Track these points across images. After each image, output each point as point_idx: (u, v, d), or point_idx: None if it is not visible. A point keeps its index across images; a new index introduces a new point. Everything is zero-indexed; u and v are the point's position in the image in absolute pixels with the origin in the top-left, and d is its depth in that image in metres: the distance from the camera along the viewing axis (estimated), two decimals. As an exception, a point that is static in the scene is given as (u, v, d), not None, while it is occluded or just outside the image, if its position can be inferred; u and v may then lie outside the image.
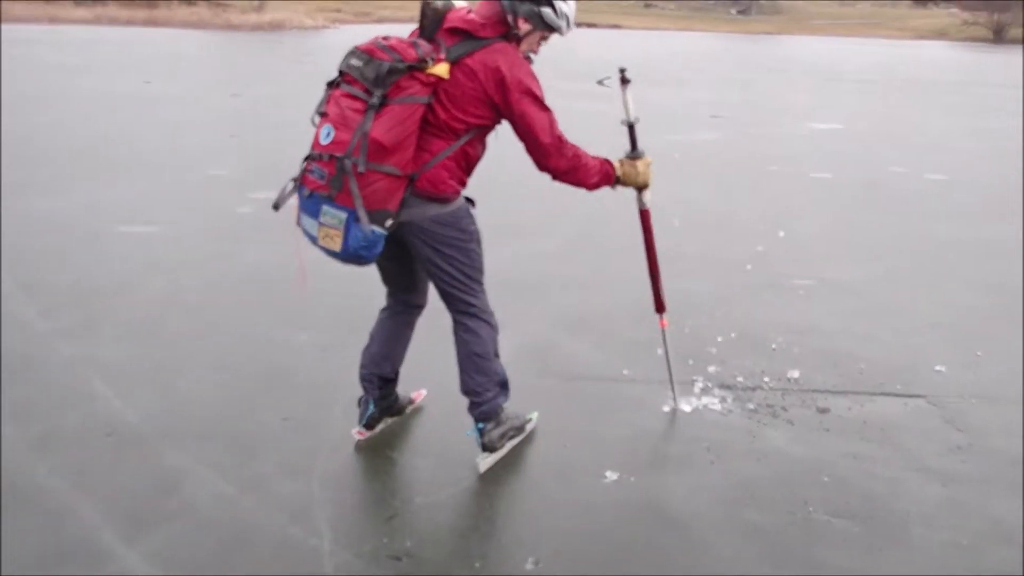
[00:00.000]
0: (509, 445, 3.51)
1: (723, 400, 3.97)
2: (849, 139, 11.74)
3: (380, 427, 3.65)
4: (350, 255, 2.97)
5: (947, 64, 28.13)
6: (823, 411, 3.88)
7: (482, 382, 3.32)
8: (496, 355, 3.36)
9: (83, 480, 3.23)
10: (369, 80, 2.87)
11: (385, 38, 2.95)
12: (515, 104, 3.00)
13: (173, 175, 8.28)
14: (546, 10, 3.04)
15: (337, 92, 2.97)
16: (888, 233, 6.92)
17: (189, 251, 5.96)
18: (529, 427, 3.66)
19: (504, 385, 3.41)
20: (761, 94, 17.35)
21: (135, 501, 3.12)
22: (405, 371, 3.56)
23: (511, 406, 3.53)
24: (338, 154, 2.87)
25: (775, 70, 23.33)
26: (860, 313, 5.10)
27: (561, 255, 6.08)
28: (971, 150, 11.10)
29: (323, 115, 2.99)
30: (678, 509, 3.14)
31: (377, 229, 2.92)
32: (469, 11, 3.08)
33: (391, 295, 3.50)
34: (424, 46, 2.94)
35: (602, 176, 3.26)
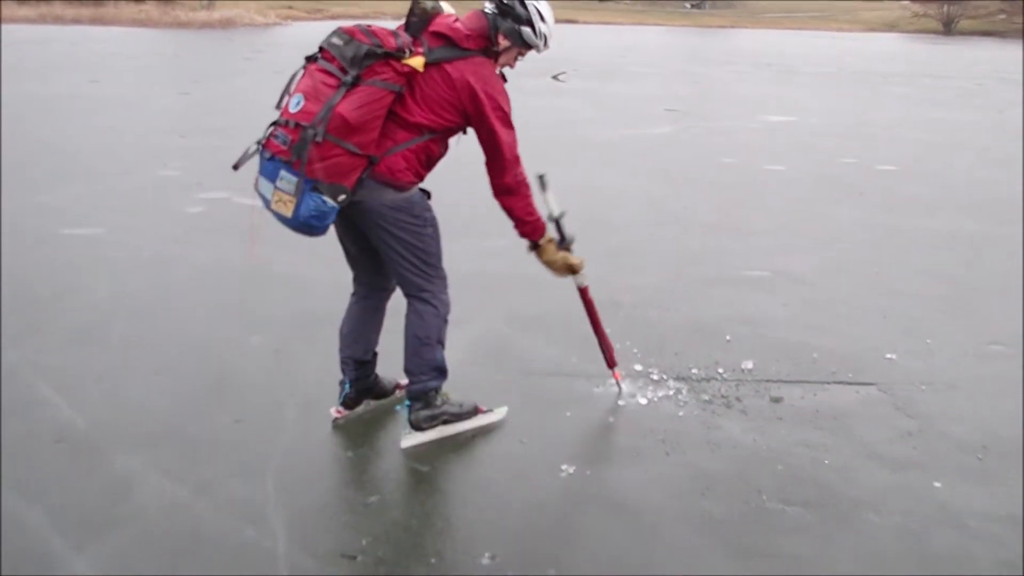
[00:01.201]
0: (445, 430, 3.54)
1: (678, 392, 3.99)
2: (801, 131, 11.87)
3: (361, 408, 3.76)
4: (300, 223, 3.03)
5: (898, 56, 28.57)
6: (776, 400, 3.92)
7: (417, 363, 3.40)
8: (439, 342, 3.41)
9: (31, 488, 3.16)
10: (346, 59, 2.99)
11: (368, 25, 3.08)
12: (487, 119, 3.15)
13: (120, 176, 8.14)
14: (526, 29, 3.23)
15: (313, 66, 3.08)
16: (840, 224, 7.00)
17: (137, 253, 5.86)
18: (486, 419, 3.66)
19: (440, 371, 3.45)
20: (715, 87, 17.49)
21: (84, 508, 3.06)
22: (393, 361, 3.53)
23: (468, 396, 3.62)
24: (304, 123, 2.96)
25: (728, 64, 23.52)
26: (812, 303, 5.15)
27: (517, 252, 6.05)
28: (921, 141, 11.28)
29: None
30: (634, 501, 3.15)
31: (329, 200, 2.98)
32: (456, 20, 3.22)
33: (357, 279, 3.58)
34: (404, 37, 3.10)
35: (535, 223, 3.40)
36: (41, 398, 3.83)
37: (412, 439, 3.49)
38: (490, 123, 3.15)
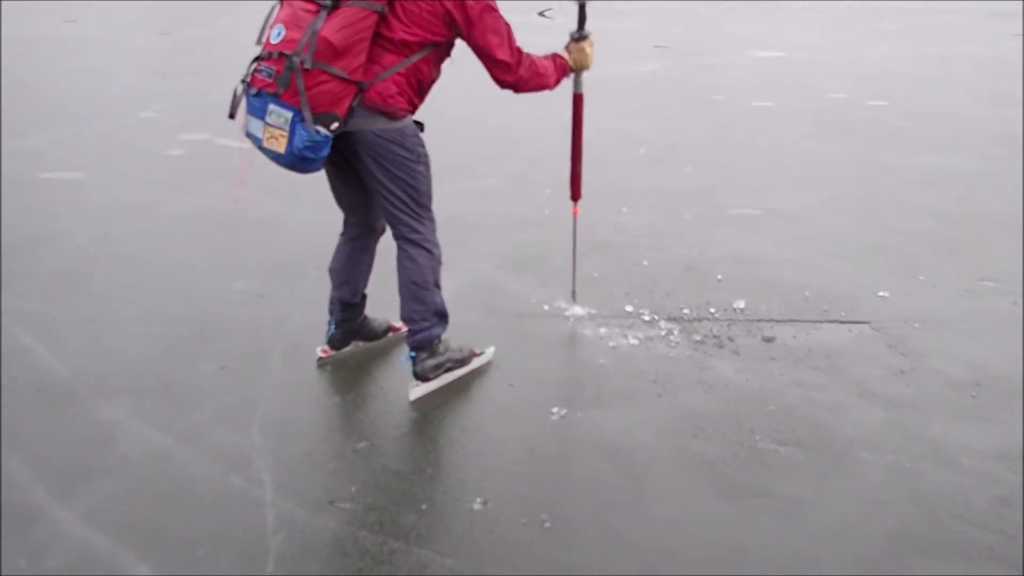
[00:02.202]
0: (447, 377, 3.48)
1: (669, 332, 3.94)
2: (791, 67, 11.70)
3: (350, 349, 3.72)
4: (294, 157, 2.93)
5: (886, -9, 28.17)
6: (769, 340, 3.88)
7: (418, 310, 3.30)
8: (436, 285, 3.33)
9: (12, 438, 3.11)
10: None
11: None
12: (475, 20, 3.01)
13: (99, 119, 7.97)
14: None
15: None
16: (830, 161, 6.92)
17: (117, 197, 5.74)
18: (479, 361, 3.62)
19: (442, 316, 3.38)
20: (704, 24, 17.22)
21: (67, 458, 3.01)
22: (385, 302, 3.47)
23: (459, 339, 3.54)
24: (287, 52, 2.87)
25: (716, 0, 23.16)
26: (803, 241, 5.09)
27: (505, 193, 5.98)
28: (912, 76, 11.14)
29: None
30: (625, 444, 3.12)
31: (322, 130, 2.90)
32: None
33: (346, 219, 3.50)
34: None
35: (559, 73, 3.31)
36: (21, 346, 3.76)
37: (420, 390, 3.41)
38: (480, 25, 3.01)
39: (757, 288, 4.39)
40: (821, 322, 4.05)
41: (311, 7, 2.91)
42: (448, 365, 3.47)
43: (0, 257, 4.68)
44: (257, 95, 2.95)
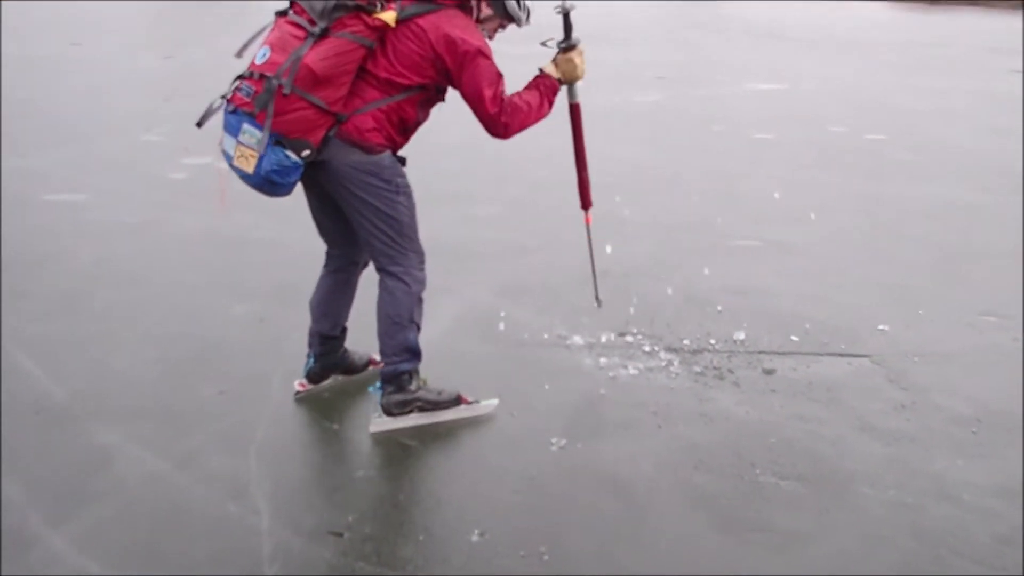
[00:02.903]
0: (418, 419, 3.36)
1: (669, 363, 3.93)
2: (791, 99, 11.75)
3: (329, 382, 3.64)
4: (261, 179, 2.93)
5: (885, 25, 28.34)
6: (769, 372, 3.87)
7: (389, 344, 3.26)
8: (412, 321, 3.25)
9: (9, 460, 3.10)
10: (316, 12, 2.90)
11: None
12: (466, 65, 3.00)
13: (103, 141, 7.98)
14: (510, 1, 3.10)
15: (282, 20, 2.99)
16: (830, 192, 6.93)
17: (119, 218, 5.74)
18: (468, 411, 3.45)
19: (414, 353, 3.29)
20: (704, 54, 17.31)
21: (63, 481, 3.00)
22: (366, 335, 3.43)
23: (459, 369, 3.54)
24: (268, 74, 2.87)
25: (717, 31, 23.32)
26: (804, 273, 5.09)
27: (504, 220, 5.99)
28: (911, 109, 11.18)
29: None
30: (626, 476, 3.10)
31: (292, 155, 2.89)
32: None
33: (329, 251, 3.47)
34: None
35: (547, 98, 3.21)
36: (20, 367, 3.75)
37: (381, 424, 3.33)
38: (470, 70, 2.99)
39: (757, 320, 4.38)
40: (821, 355, 4.04)
41: (300, 33, 2.90)
42: (418, 404, 3.35)
43: (0, 277, 4.67)
44: (234, 112, 2.95)
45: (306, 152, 2.92)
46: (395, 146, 3.13)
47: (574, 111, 3.53)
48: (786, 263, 5.26)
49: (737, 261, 5.27)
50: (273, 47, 2.92)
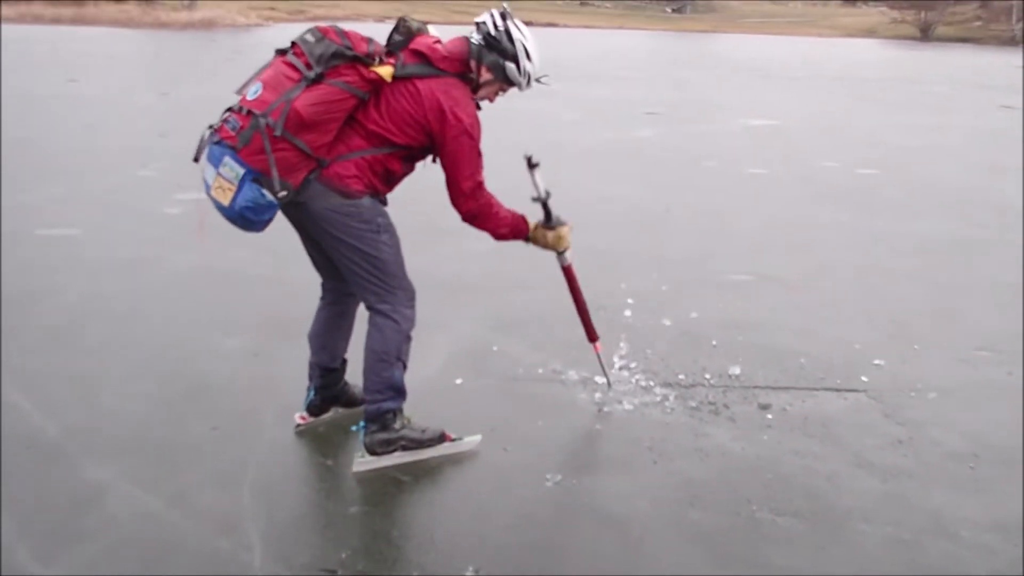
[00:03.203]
0: (402, 457, 3.32)
1: (664, 398, 3.92)
2: (782, 135, 11.86)
3: (329, 415, 3.64)
4: (235, 213, 2.94)
5: (876, 61, 28.71)
6: (764, 407, 3.86)
7: (374, 381, 3.23)
8: (399, 359, 3.22)
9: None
10: (313, 56, 2.91)
11: (344, 28, 3.00)
12: (450, 140, 3.04)
13: (98, 176, 8.01)
14: (510, 65, 3.14)
15: (280, 59, 3.00)
16: (823, 227, 6.97)
17: (113, 254, 5.74)
18: (451, 448, 3.41)
19: (398, 391, 3.26)
20: (696, 91, 17.49)
21: (53, 518, 2.95)
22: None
23: (452, 403, 3.52)
24: (256, 111, 2.88)
25: (709, 68, 23.56)
26: (798, 308, 5.10)
27: (497, 254, 5.98)
28: (902, 145, 11.29)
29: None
30: (621, 512, 3.08)
31: (267, 194, 2.90)
32: (437, 41, 3.13)
33: (324, 284, 3.47)
34: (378, 46, 3.01)
35: (513, 229, 3.32)
36: (11, 403, 3.71)
37: (365, 463, 3.28)
38: (454, 146, 3.04)
39: (752, 354, 4.38)
40: (817, 390, 4.04)
41: (294, 75, 2.91)
42: (402, 443, 3.30)
43: (-8, 313, 4.65)
44: (218, 143, 2.95)
45: (283, 193, 2.92)
46: (375, 191, 3.13)
47: (566, 272, 3.70)
48: (780, 298, 5.27)
49: (731, 296, 5.28)
50: (266, 85, 2.92)
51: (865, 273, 5.81)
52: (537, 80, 3.29)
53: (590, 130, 11.07)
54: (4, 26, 27.27)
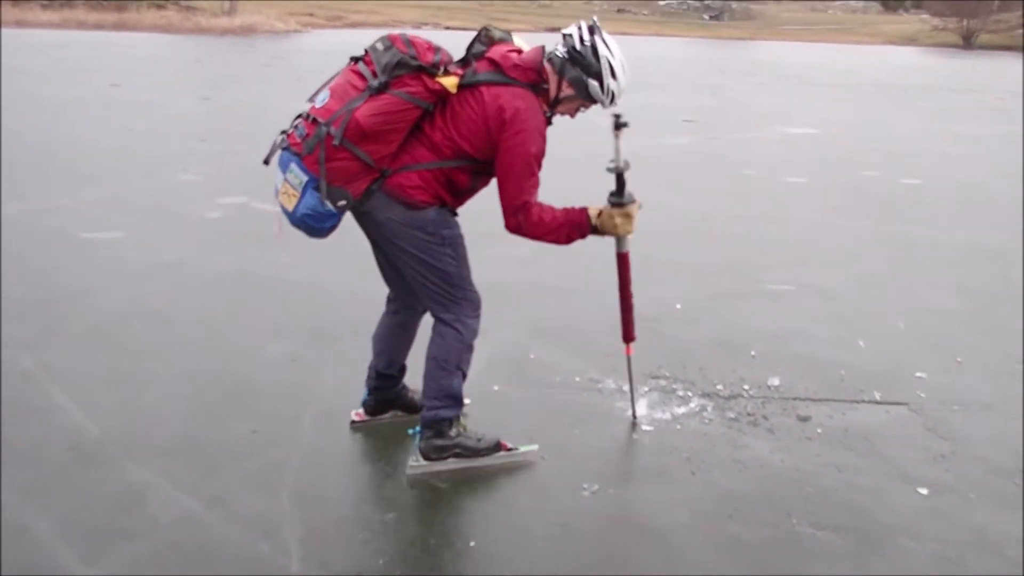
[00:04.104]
0: (456, 463, 3.32)
1: (703, 409, 3.89)
2: (823, 144, 11.75)
3: (388, 417, 3.67)
4: (297, 219, 2.99)
5: (918, 69, 28.38)
6: (804, 419, 3.81)
7: (431, 387, 3.24)
8: (459, 368, 3.22)
9: (41, 496, 3.09)
10: (380, 65, 2.92)
11: (413, 36, 2.99)
12: (504, 151, 2.97)
13: (140, 180, 8.11)
14: (592, 83, 3.05)
15: (350, 67, 3.01)
16: (864, 237, 6.89)
17: (155, 257, 5.81)
18: (506, 457, 3.40)
19: (456, 400, 3.26)
20: (734, 99, 17.38)
21: (95, 519, 2.99)
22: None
23: (490, 410, 3.53)
24: (321, 119, 2.90)
25: (747, 75, 23.42)
26: (839, 318, 5.04)
27: (537, 261, 5.99)
28: (944, 154, 11.14)
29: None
30: (659, 523, 3.05)
31: (328, 204, 2.92)
32: (514, 50, 3.08)
33: (390, 294, 3.49)
34: (445, 55, 2.98)
35: (568, 235, 3.12)
36: (54, 403, 3.77)
37: (418, 467, 3.30)
38: (506, 158, 2.96)
39: (792, 365, 4.34)
40: (858, 402, 3.99)
41: (360, 84, 2.92)
42: (456, 451, 3.31)
43: (38, 314, 4.72)
44: (286, 149, 2.99)
45: (342, 203, 2.95)
46: (442, 202, 3.09)
47: (621, 260, 3.50)
48: (820, 308, 5.21)
49: (770, 305, 5.23)
50: (333, 93, 2.94)
51: (907, 283, 5.73)
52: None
53: (627, 137, 10.97)
54: (49, 31, 27.77)
